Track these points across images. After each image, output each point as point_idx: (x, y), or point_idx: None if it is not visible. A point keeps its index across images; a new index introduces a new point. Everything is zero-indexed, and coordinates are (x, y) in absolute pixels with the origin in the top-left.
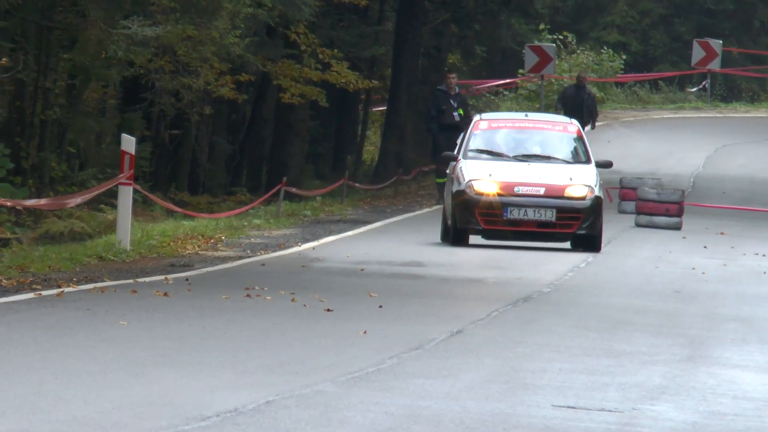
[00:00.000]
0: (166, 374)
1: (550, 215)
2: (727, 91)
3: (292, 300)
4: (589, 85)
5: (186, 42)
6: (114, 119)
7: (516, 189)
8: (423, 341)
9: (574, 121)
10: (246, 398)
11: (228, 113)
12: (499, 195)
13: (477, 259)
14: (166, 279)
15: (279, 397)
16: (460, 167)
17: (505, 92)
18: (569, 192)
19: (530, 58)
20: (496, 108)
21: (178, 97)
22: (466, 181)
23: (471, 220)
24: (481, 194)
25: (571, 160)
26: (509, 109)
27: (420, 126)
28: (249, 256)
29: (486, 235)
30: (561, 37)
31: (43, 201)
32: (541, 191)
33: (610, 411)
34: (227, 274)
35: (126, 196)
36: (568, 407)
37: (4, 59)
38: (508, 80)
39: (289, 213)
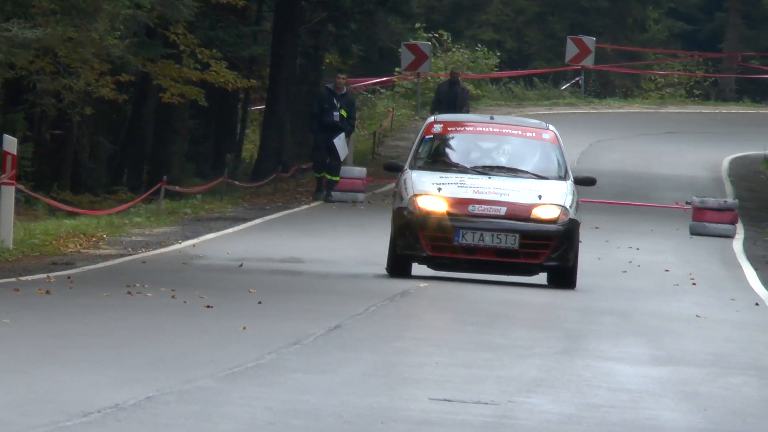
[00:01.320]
0: (48, 371)
1: (512, 241)
2: (600, 87)
3: (173, 297)
4: (464, 81)
5: (67, 44)
6: None
7: (471, 208)
8: (302, 336)
9: (551, 127)
10: (127, 394)
11: (109, 113)
12: (450, 215)
13: (356, 255)
14: (48, 277)
15: (160, 393)
16: (404, 179)
17: (382, 90)
18: (537, 213)
19: (406, 57)
20: (372, 106)
21: (59, 98)
22: (409, 196)
23: (414, 245)
24: (427, 213)
25: (543, 175)
26: (385, 108)
27: (299, 124)
28: (130, 254)
29: (433, 263)
30: (437, 35)
31: None
32: (502, 211)
33: (486, 404)
34: (109, 272)
35: (8, 195)
36: (446, 400)
37: None
38: (385, 78)
39: (170, 211)
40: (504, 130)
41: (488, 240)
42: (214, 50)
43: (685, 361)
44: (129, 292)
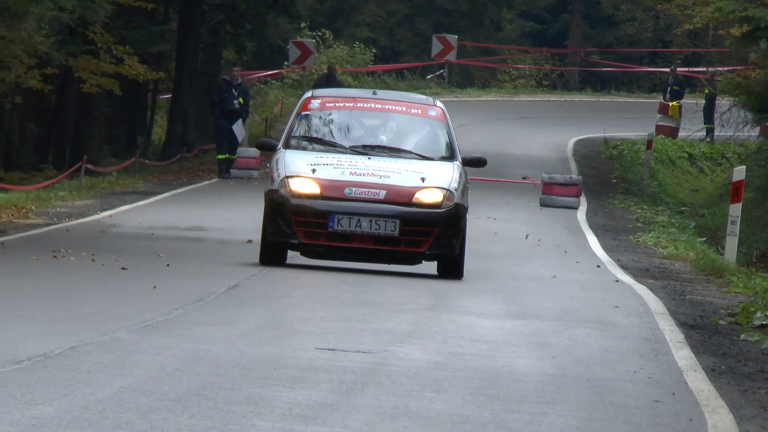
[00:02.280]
0: None
1: (391, 228)
2: (462, 78)
3: (92, 260)
4: (341, 74)
5: None
6: None
7: (347, 191)
8: (204, 294)
9: (439, 104)
10: (54, 345)
11: (36, 102)
12: (323, 198)
13: (251, 224)
14: None
15: (82, 344)
16: (276, 159)
17: (273, 81)
18: (419, 197)
19: (293, 52)
20: (264, 95)
21: None
22: (281, 178)
23: (285, 231)
24: (299, 196)
25: (428, 155)
26: (276, 97)
27: (201, 111)
28: (55, 224)
29: (306, 251)
30: (320, 33)
31: None
32: (381, 195)
33: (365, 352)
34: (37, 239)
35: None
36: (329, 349)
37: None
38: (274, 71)
39: (89, 186)
40: (387, 107)
41: (366, 226)
42: (127, 47)
43: (536, 315)
44: (54, 257)
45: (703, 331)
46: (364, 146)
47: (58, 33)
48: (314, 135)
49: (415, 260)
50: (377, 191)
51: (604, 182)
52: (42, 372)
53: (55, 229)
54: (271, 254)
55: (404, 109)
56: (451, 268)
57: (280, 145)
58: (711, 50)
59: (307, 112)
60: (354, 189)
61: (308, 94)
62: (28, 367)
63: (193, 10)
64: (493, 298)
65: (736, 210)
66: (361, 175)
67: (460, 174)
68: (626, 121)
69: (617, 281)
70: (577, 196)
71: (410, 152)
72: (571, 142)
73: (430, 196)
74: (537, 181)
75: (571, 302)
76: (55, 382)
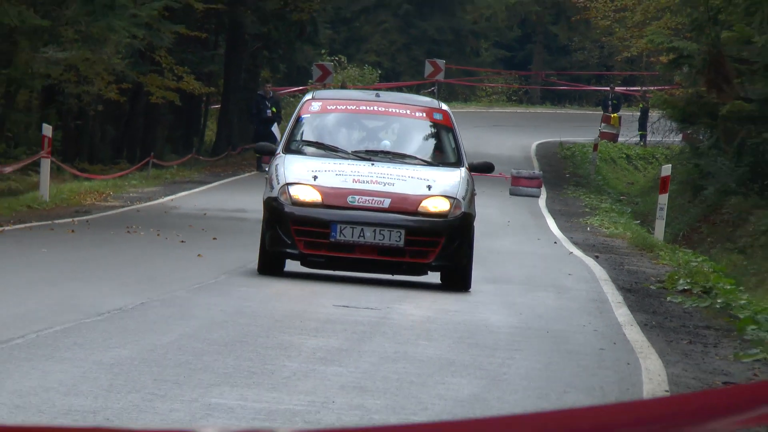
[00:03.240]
0: (73, 285)
1: (396, 238)
2: (448, 94)
3: (157, 235)
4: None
5: (85, 62)
6: (37, 114)
7: (350, 199)
8: (246, 262)
9: (444, 107)
10: (127, 301)
11: (113, 110)
12: (325, 206)
13: None
14: (72, 221)
15: (149, 300)
16: (276, 165)
17: (299, 95)
18: (425, 206)
19: (316, 72)
20: (293, 107)
21: (80, 99)
22: (280, 185)
23: (285, 242)
24: (300, 204)
25: (434, 161)
26: None
27: (242, 118)
28: (128, 206)
29: (306, 261)
30: (336, 58)
31: None
32: (386, 203)
33: (372, 309)
34: (114, 218)
35: (45, 165)
36: (344, 306)
37: None
38: (301, 87)
39: (155, 176)
40: (390, 110)
41: (369, 236)
42: (185, 67)
43: (506, 280)
44: (128, 231)
45: (637, 294)
46: (367, 151)
47: (132, 55)
48: (315, 139)
49: (421, 271)
50: (381, 199)
51: (560, 176)
52: (118, 322)
53: (128, 210)
54: (270, 264)
55: (408, 112)
56: (458, 280)
57: (280, 149)
58: (644, 73)
59: (308, 115)
60: (357, 197)
61: (308, 96)
62: (107, 318)
63: (237, 39)
64: (473, 267)
65: (663, 199)
66: (364, 182)
67: (468, 181)
68: (577, 129)
69: (570, 254)
70: (539, 187)
71: (415, 158)
72: (533, 145)
73: (436, 204)
74: (507, 175)
75: (534, 270)
76: (128, 331)
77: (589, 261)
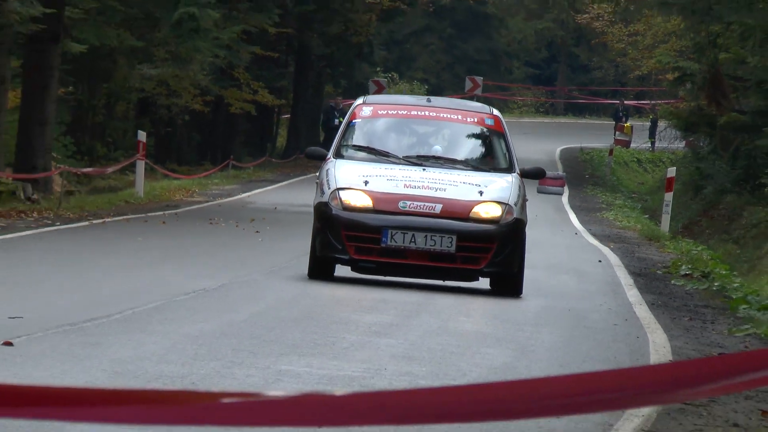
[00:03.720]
0: (164, 268)
1: (448, 244)
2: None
3: (236, 226)
4: None
5: (174, 78)
6: (133, 122)
7: (401, 204)
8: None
9: (495, 112)
10: (210, 283)
11: (198, 119)
12: (376, 212)
13: None
14: (163, 214)
15: (228, 282)
16: (327, 170)
17: None
18: (477, 211)
19: (372, 87)
20: None
21: (170, 110)
22: (331, 190)
23: (336, 247)
24: (351, 209)
25: (485, 167)
26: None
27: (309, 126)
28: (211, 201)
29: (357, 267)
30: (390, 75)
31: (92, 169)
32: (437, 209)
33: (418, 290)
34: (199, 212)
35: (140, 166)
36: (394, 289)
37: (70, 87)
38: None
39: (234, 176)
40: (442, 115)
41: (420, 242)
42: (260, 82)
43: (534, 266)
44: (210, 223)
45: (646, 278)
46: (418, 156)
47: (214, 72)
48: (366, 144)
49: (472, 277)
50: (433, 205)
51: (580, 177)
52: (202, 301)
53: (211, 205)
54: (321, 269)
55: (460, 117)
56: (509, 286)
57: (331, 154)
58: (653, 89)
59: (359, 120)
60: (409, 202)
61: (360, 101)
62: (192, 297)
63: (305, 58)
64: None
65: (669, 197)
66: (415, 187)
67: (519, 187)
68: (595, 137)
69: (589, 245)
70: (562, 186)
71: (466, 163)
72: (558, 150)
73: (488, 210)
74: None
75: (557, 257)
76: (210, 308)
77: (605, 249)
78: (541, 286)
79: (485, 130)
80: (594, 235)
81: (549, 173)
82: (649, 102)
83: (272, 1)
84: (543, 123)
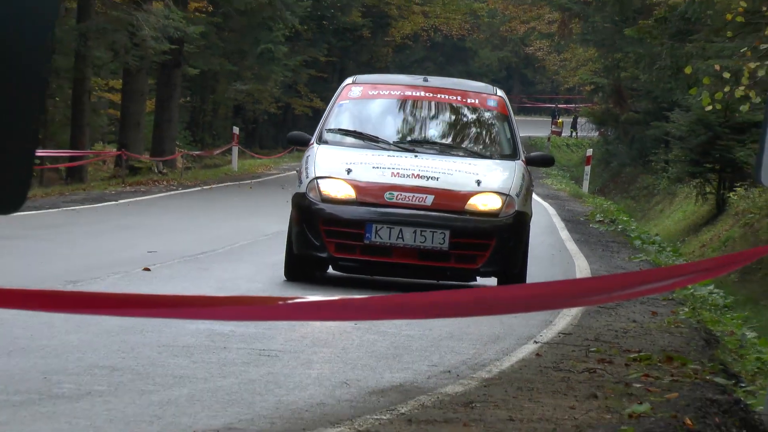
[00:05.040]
0: (251, 218)
1: (440, 240)
2: None
3: None
4: None
5: (257, 91)
6: (230, 121)
7: (387, 195)
8: None
9: (500, 92)
10: (282, 227)
11: (274, 118)
12: (360, 204)
13: None
14: (250, 182)
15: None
16: (307, 156)
17: None
18: (474, 203)
19: None
20: None
21: (254, 112)
22: (310, 179)
23: (313, 243)
24: (331, 201)
25: (486, 153)
26: None
27: None
28: (282, 174)
29: (337, 265)
30: None
31: (202, 152)
32: (428, 200)
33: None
34: (274, 180)
35: (235, 150)
36: None
37: (188, 98)
38: None
39: (297, 157)
40: (439, 95)
41: (409, 238)
42: (315, 93)
43: None
44: (281, 188)
45: (572, 223)
46: (411, 141)
47: (284, 87)
48: (352, 128)
49: (468, 278)
50: (424, 196)
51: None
52: (276, 240)
53: (282, 176)
54: (298, 268)
55: (459, 98)
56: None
57: (314, 139)
58: (576, 96)
59: (346, 101)
60: (396, 193)
61: (350, 80)
62: (271, 237)
63: (344, 77)
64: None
65: (587, 169)
66: (404, 176)
67: (523, 176)
68: (538, 129)
69: (535, 202)
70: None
71: (465, 149)
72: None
73: (486, 202)
74: None
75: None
76: (282, 244)
77: (546, 204)
78: None
79: (487, 112)
80: (538, 195)
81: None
82: (573, 105)
83: (322, 39)
84: None
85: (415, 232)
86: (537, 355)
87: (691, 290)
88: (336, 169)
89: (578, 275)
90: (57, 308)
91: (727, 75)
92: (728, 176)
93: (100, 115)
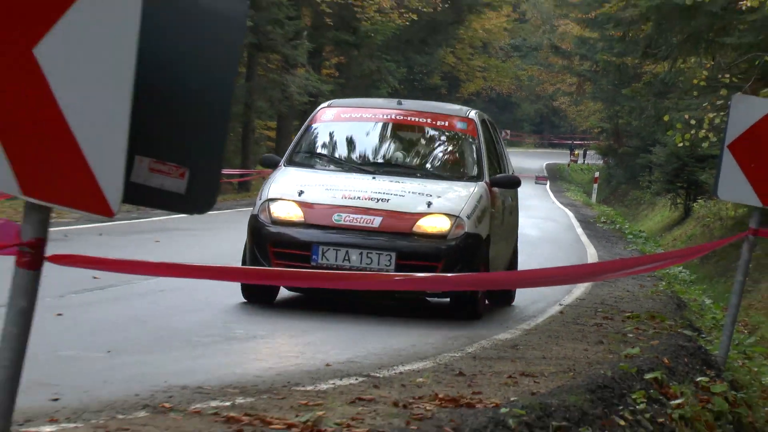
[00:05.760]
0: None
1: (386, 262)
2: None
3: None
4: None
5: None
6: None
7: (335, 217)
8: None
9: (471, 115)
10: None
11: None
12: (307, 226)
13: None
14: None
15: None
16: (269, 178)
17: None
18: (421, 225)
19: None
20: None
21: None
22: (262, 201)
23: (262, 264)
24: (280, 223)
25: (447, 175)
26: None
27: None
28: None
29: (288, 286)
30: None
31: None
32: (376, 222)
33: None
34: None
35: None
36: None
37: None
38: None
39: None
40: (409, 118)
41: (355, 260)
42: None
43: (536, 216)
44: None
45: (585, 223)
46: (372, 164)
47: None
48: (320, 150)
49: (416, 300)
50: (371, 218)
51: (555, 177)
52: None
53: None
54: (251, 289)
55: (428, 120)
56: (465, 308)
57: (283, 161)
58: (588, 135)
59: (318, 124)
60: (344, 215)
61: (325, 104)
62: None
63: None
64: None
65: (595, 186)
66: (355, 198)
67: (480, 197)
68: (560, 158)
69: (559, 208)
70: (546, 181)
71: (425, 171)
72: (544, 164)
73: (434, 224)
74: (533, 176)
75: (544, 212)
76: None
77: (566, 210)
78: (538, 226)
79: (455, 134)
80: (561, 203)
81: (541, 175)
82: (585, 142)
83: (413, 95)
84: (537, 152)
85: (361, 254)
86: (561, 313)
87: (668, 270)
88: (288, 191)
89: (589, 260)
90: (245, 278)
91: (693, 122)
92: (693, 192)
93: (261, 146)
